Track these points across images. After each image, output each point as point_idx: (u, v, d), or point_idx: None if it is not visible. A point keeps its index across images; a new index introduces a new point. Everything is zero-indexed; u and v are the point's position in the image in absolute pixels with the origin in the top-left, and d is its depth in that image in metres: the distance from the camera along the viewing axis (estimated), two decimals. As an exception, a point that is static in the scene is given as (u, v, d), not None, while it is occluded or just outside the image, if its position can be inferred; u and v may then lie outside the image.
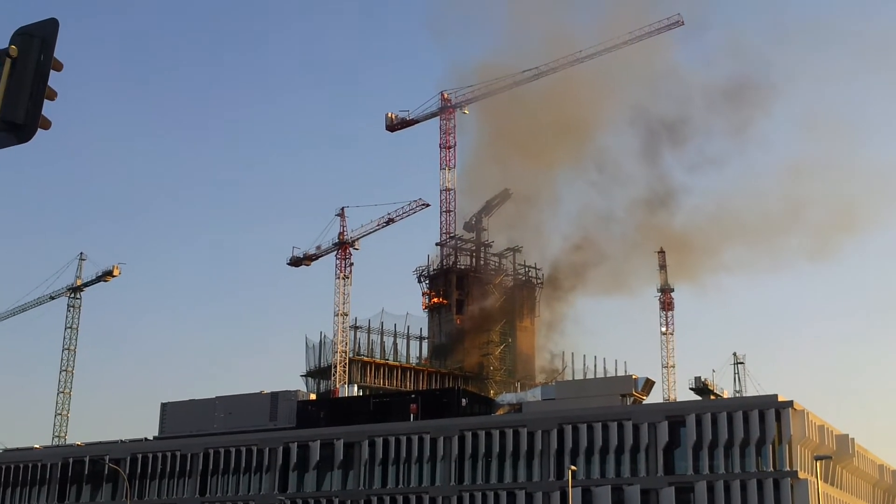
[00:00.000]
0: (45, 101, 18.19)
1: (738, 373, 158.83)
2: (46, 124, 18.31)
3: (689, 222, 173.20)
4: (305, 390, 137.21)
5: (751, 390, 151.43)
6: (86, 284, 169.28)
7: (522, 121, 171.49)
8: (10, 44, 17.99)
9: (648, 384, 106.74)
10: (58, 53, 18.36)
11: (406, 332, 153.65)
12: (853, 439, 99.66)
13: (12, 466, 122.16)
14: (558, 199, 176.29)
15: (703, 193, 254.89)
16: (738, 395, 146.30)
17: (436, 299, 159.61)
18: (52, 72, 18.21)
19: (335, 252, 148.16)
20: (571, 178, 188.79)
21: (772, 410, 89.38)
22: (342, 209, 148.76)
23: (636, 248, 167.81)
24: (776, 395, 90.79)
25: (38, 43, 17.97)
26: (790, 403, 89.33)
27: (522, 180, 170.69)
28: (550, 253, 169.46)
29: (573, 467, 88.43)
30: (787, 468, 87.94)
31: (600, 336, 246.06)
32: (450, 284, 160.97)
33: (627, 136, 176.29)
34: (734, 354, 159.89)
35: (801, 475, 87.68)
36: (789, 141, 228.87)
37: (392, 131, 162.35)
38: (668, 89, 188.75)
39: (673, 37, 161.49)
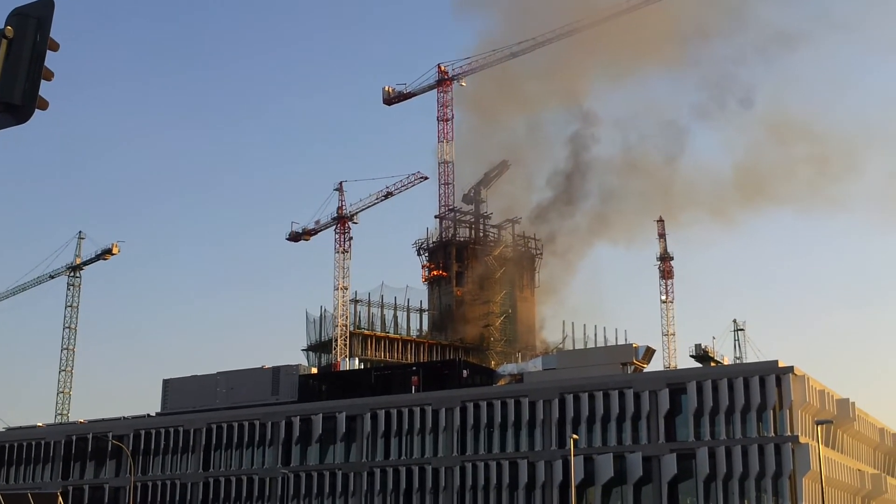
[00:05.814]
0: (43, 81, 18.13)
1: (738, 339, 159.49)
2: (44, 105, 18.24)
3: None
4: (307, 364, 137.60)
5: (751, 357, 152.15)
6: (85, 263, 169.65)
7: (521, 89, 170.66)
8: (6, 24, 17.89)
9: (649, 352, 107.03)
10: (54, 32, 18.27)
11: (406, 304, 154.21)
12: (854, 403, 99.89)
13: (16, 444, 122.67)
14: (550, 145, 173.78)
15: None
16: (738, 361, 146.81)
17: (435, 272, 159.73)
18: (48, 52, 18.14)
19: (334, 226, 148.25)
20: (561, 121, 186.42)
21: (772, 376, 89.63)
22: (340, 183, 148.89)
23: (645, 199, 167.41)
24: (776, 361, 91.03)
25: (34, 23, 17.85)
26: (790, 369, 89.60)
27: (522, 144, 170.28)
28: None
29: (575, 436, 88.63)
30: (788, 433, 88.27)
31: (600, 304, 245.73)
32: (449, 257, 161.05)
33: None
34: (734, 321, 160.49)
35: (803, 440, 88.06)
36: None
37: (389, 105, 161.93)
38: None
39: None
